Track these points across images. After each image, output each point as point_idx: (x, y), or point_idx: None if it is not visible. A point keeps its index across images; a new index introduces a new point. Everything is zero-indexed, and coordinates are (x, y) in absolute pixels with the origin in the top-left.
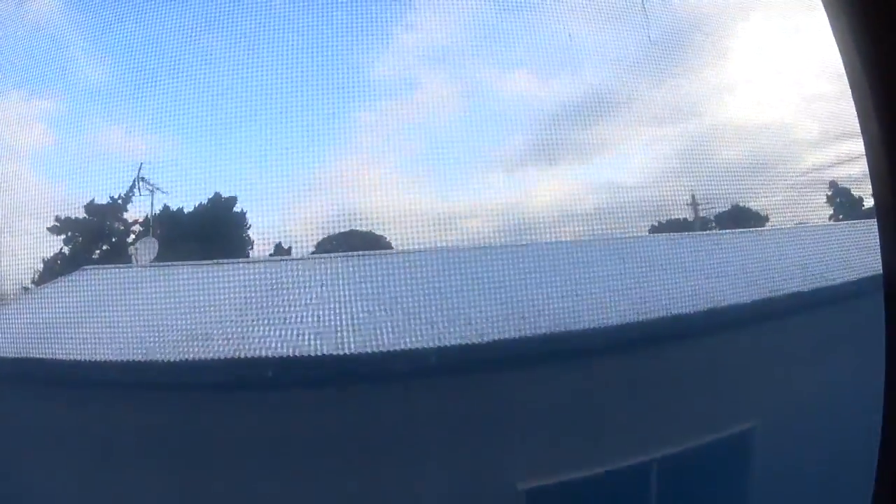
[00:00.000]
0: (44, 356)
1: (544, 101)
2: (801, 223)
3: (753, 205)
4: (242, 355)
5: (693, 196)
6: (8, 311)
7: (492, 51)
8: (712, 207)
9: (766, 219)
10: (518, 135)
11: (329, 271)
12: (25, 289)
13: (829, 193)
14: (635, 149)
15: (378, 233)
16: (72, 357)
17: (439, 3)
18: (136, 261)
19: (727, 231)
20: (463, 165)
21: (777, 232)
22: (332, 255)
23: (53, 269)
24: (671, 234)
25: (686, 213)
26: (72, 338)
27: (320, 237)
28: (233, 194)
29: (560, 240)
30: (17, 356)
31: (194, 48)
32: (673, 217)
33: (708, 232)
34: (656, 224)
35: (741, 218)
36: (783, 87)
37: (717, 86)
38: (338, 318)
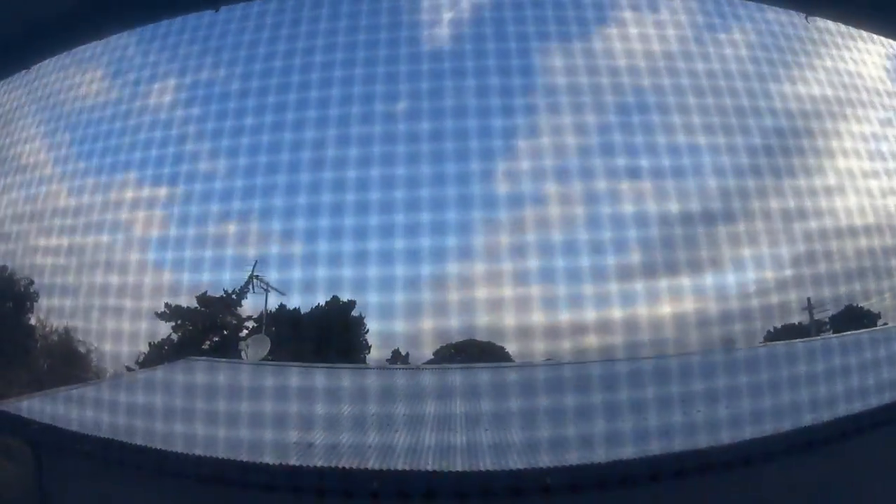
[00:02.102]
0: (135, 441)
1: (661, 212)
2: None
3: (868, 304)
4: (350, 465)
5: (808, 300)
6: (105, 389)
7: (610, 163)
8: (827, 310)
9: (879, 316)
10: (635, 246)
11: (446, 382)
12: (128, 369)
13: None
14: (751, 254)
15: (497, 344)
16: (165, 447)
17: (558, 121)
18: (246, 356)
19: (846, 333)
20: (582, 278)
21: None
22: (450, 365)
23: (159, 355)
24: (790, 341)
25: (801, 318)
26: (169, 426)
27: (438, 345)
28: (351, 298)
29: (680, 352)
30: (105, 437)
31: (319, 151)
32: (788, 322)
33: (824, 336)
34: (772, 330)
35: (856, 318)
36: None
37: (828, 187)
38: (451, 433)
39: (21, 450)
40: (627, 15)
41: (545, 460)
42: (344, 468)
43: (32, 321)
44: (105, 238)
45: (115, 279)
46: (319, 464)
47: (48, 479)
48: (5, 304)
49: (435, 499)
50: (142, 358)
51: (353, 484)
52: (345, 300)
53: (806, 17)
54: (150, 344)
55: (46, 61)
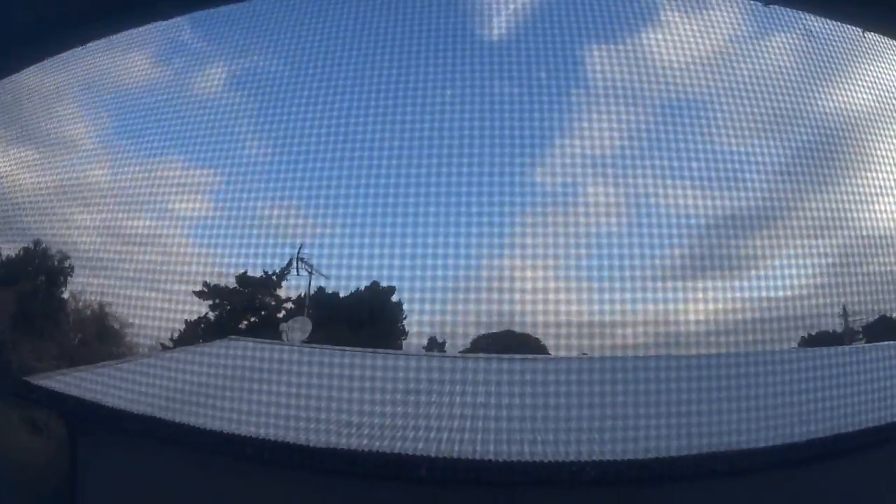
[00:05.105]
0: (176, 419)
1: (698, 212)
2: None
3: None
4: (391, 449)
5: (844, 307)
6: (143, 367)
7: (649, 161)
8: (861, 318)
9: None
10: (672, 245)
11: (483, 372)
12: (163, 346)
13: None
14: (786, 260)
15: (534, 335)
16: (206, 425)
17: (599, 113)
18: (287, 338)
19: (879, 343)
20: (618, 274)
21: None
22: (487, 355)
23: (195, 333)
24: (822, 347)
25: (835, 325)
26: (208, 404)
27: (475, 335)
28: (391, 284)
29: (711, 353)
30: (144, 412)
31: (363, 137)
32: (822, 329)
33: (857, 345)
34: (806, 336)
35: (891, 328)
36: None
37: (866, 194)
38: (489, 422)
39: (53, 424)
40: (672, 17)
41: (567, 452)
42: (383, 451)
43: (65, 296)
44: (145, 217)
45: (152, 258)
46: (354, 446)
47: (81, 454)
48: (38, 278)
49: (470, 485)
50: (177, 336)
51: (391, 467)
52: (384, 286)
53: (863, 32)
54: (185, 322)
55: (94, 43)
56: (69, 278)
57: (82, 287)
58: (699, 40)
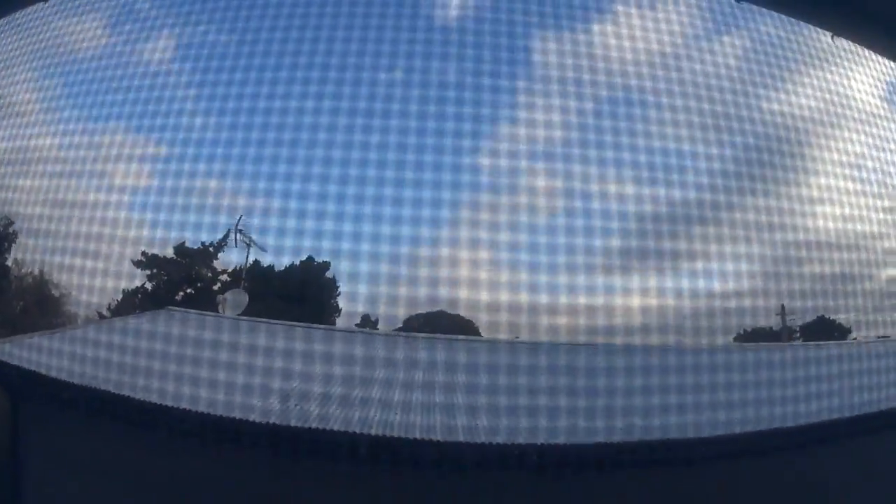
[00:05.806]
0: (111, 390)
1: (641, 205)
2: (886, 336)
3: (840, 317)
4: (328, 427)
5: (782, 307)
6: (86, 335)
7: (590, 151)
8: (798, 319)
9: (850, 331)
10: (610, 236)
11: (415, 351)
12: (101, 316)
13: None
14: (723, 258)
15: (467, 318)
16: (142, 397)
17: (546, 101)
18: (223, 311)
19: (814, 343)
20: (556, 261)
21: (865, 345)
22: (419, 334)
23: (132, 303)
24: (757, 344)
25: (772, 323)
26: (145, 376)
27: (408, 314)
28: (326, 259)
29: (646, 344)
30: (80, 384)
31: (304, 111)
32: (759, 326)
33: (793, 343)
34: (741, 333)
35: (828, 330)
36: (871, 199)
37: (807, 197)
38: (422, 401)
39: None
40: (627, 11)
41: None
42: (320, 428)
43: (9, 262)
44: (87, 184)
45: (94, 226)
46: (293, 422)
47: (23, 426)
48: None
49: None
50: (114, 305)
51: (335, 445)
52: (319, 261)
53: (832, 37)
54: (123, 292)
55: (40, 5)
56: (13, 244)
57: (25, 253)
58: (660, 33)
